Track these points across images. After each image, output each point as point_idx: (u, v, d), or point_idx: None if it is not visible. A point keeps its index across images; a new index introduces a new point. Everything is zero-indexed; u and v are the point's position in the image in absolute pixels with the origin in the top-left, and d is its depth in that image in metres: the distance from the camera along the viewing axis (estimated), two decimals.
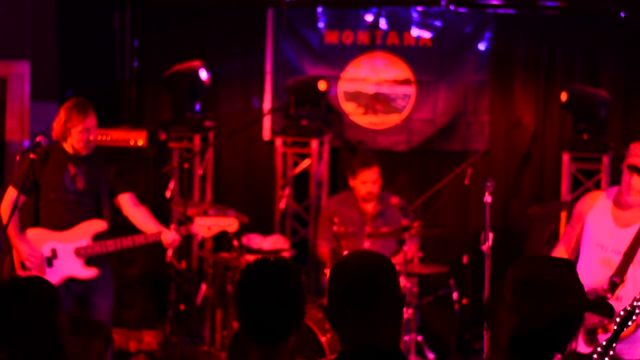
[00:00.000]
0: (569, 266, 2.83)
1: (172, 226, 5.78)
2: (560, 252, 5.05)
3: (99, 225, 5.70)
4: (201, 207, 6.80)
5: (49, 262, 5.62)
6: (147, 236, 5.69)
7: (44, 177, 5.62)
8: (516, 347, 2.74)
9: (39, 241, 5.63)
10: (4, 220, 5.38)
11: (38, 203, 5.68)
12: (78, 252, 5.63)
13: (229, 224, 5.82)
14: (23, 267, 5.58)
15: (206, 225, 5.76)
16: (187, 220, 5.89)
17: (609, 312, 2.94)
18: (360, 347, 2.73)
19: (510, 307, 2.73)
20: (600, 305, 2.91)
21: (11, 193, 5.55)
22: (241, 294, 2.99)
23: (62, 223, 5.65)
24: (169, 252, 7.74)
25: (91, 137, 5.60)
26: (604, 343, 3.14)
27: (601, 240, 4.84)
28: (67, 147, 5.64)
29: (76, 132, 5.55)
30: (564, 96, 7.25)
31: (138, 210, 5.81)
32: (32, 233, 5.64)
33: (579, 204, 4.99)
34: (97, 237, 5.68)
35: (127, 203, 5.80)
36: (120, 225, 5.88)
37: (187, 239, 7.87)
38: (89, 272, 5.65)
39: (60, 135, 5.58)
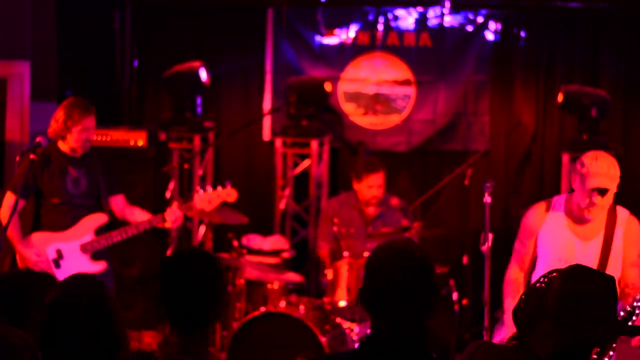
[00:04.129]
0: (613, 283, 2.77)
1: (175, 203, 5.76)
2: (514, 272, 4.84)
3: (99, 218, 5.68)
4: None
5: (56, 263, 5.60)
6: (150, 220, 5.67)
7: (44, 183, 5.58)
8: (558, 358, 2.70)
9: (42, 244, 5.60)
10: (4, 224, 5.37)
11: (40, 208, 5.66)
12: (84, 248, 5.62)
13: (228, 194, 5.79)
14: None
15: (206, 200, 5.73)
16: (186, 199, 5.87)
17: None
18: (391, 334, 2.74)
19: (556, 319, 2.68)
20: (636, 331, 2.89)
21: (9, 198, 5.53)
22: (164, 282, 3.13)
23: (64, 226, 5.64)
24: (169, 253, 7.74)
25: (89, 137, 5.57)
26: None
27: (564, 256, 4.64)
28: (64, 147, 5.60)
29: (76, 131, 5.51)
30: (560, 97, 7.27)
31: (132, 208, 5.81)
32: (35, 237, 5.62)
33: (527, 220, 4.80)
34: (99, 231, 5.67)
35: (120, 204, 5.79)
36: (117, 221, 5.86)
37: (187, 239, 7.88)
38: (97, 267, 5.65)
39: (58, 133, 5.53)
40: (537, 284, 2.78)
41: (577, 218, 4.64)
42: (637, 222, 4.70)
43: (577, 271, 2.78)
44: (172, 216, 5.66)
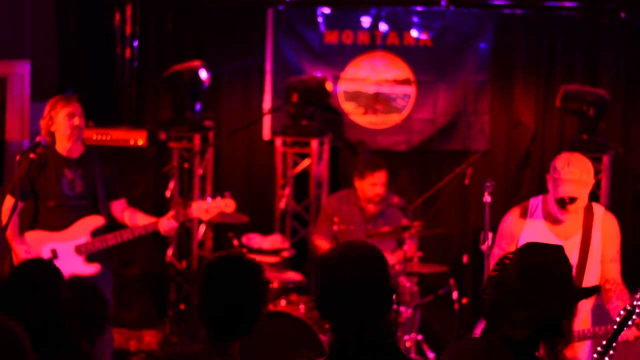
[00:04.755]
0: (563, 252, 2.85)
1: (171, 212, 5.76)
2: None
3: (96, 220, 5.68)
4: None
5: None
6: (145, 226, 5.67)
7: (40, 185, 5.59)
8: (532, 338, 2.72)
9: (38, 243, 5.61)
10: (3, 226, 5.38)
11: (37, 210, 5.66)
12: (79, 250, 5.61)
13: (226, 204, 5.79)
14: None
15: (203, 209, 5.73)
16: (185, 206, 5.87)
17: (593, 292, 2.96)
18: (352, 340, 2.71)
19: (516, 296, 2.72)
20: (595, 291, 2.91)
21: (9, 200, 5.55)
22: (206, 287, 3.03)
23: (60, 227, 5.64)
24: (169, 252, 7.74)
25: (76, 122, 5.53)
26: (604, 343, 3.15)
27: None
28: (60, 148, 5.60)
29: (61, 118, 5.50)
30: (559, 97, 7.29)
31: (133, 212, 5.80)
32: (31, 236, 5.62)
33: (506, 224, 4.78)
34: (96, 233, 5.66)
35: (120, 207, 5.79)
36: (117, 223, 5.87)
37: (187, 238, 7.88)
38: (91, 269, 5.64)
39: (48, 130, 5.54)
40: (493, 272, 2.81)
41: (554, 219, 4.67)
42: (613, 219, 4.73)
43: (528, 247, 2.84)
44: (166, 226, 5.67)
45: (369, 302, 2.71)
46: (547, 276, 2.75)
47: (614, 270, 4.66)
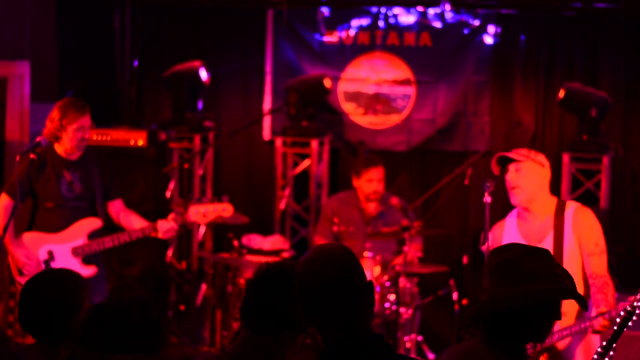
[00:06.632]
0: (545, 254, 2.88)
1: (171, 215, 5.74)
2: None
3: (93, 223, 5.67)
4: None
5: (47, 264, 5.59)
6: (143, 229, 5.65)
7: (39, 186, 5.57)
8: (480, 326, 2.78)
9: (34, 245, 5.59)
10: (0, 228, 5.36)
11: (35, 211, 5.65)
12: (75, 252, 5.60)
13: (224, 208, 5.77)
14: (20, 273, 5.56)
15: (201, 213, 5.71)
16: (184, 208, 5.85)
17: (581, 303, 2.93)
18: (340, 340, 2.69)
19: (484, 292, 2.81)
20: (575, 294, 2.90)
21: (4, 199, 5.53)
22: (248, 289, 3.04)
23: (58, 228, 5.63)
24: (169, 252, 7.74)
25: (85, 136, 5.56)
26: (604, 343, 3.15)
27: None
28: (60, 149, 5.58)
29: (71, 130, 5.48)
30: (561, 93, 7.29)
31: (129, 213, 5.79)
32: (27, 237, 5.61)
33: (493, 235, 4.89)
34: (93, 235, 5.65)
35: (117, 208, 5.78)
36: (114, 225, 5.86)
37: (187, 239, 7.88)
38: (87, 271, 5.63)
39: (54, 132, 5.50)
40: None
41: (523, 218, 4.79)
42: (586, 212, 4.72)
43: (496, 248, 2.92)
44: (165, 227, 5.64)
45: (345, 302, 2.68)
46: (504, 271, 2.81)
47: (595, 264, 4.60)
